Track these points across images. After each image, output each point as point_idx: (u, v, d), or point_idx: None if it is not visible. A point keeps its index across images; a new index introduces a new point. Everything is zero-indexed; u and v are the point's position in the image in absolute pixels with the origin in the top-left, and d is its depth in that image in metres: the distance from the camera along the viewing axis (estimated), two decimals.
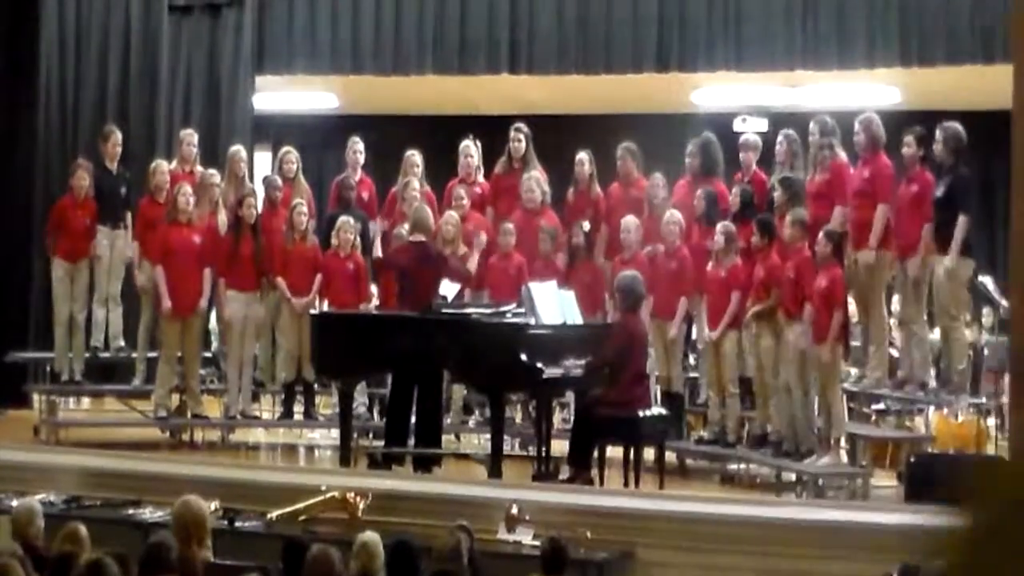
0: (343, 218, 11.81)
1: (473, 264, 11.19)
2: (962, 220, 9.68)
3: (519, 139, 11.96)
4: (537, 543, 7.81)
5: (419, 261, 10.62)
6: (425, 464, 10.39)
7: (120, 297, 12.35)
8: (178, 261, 11.74)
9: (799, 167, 10.85)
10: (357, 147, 12.44)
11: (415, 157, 12.16)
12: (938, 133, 9.91)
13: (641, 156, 11.72)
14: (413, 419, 10.88)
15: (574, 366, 10.00)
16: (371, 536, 6.78)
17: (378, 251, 11.97)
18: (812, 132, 10.58)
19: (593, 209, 11.77)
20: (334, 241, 11.80)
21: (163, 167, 12.22)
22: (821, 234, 9.92)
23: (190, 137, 12.57)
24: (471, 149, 12.10)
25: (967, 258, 9.86)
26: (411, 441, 10.73)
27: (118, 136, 12.46)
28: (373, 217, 12.30)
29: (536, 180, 11.73)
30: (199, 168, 12.39)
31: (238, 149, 12.63)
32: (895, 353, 10.93)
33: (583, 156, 11.84)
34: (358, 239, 11.83)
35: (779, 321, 10.22)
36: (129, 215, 12.35)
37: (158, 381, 11.86)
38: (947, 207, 9.78)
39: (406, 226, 11.12)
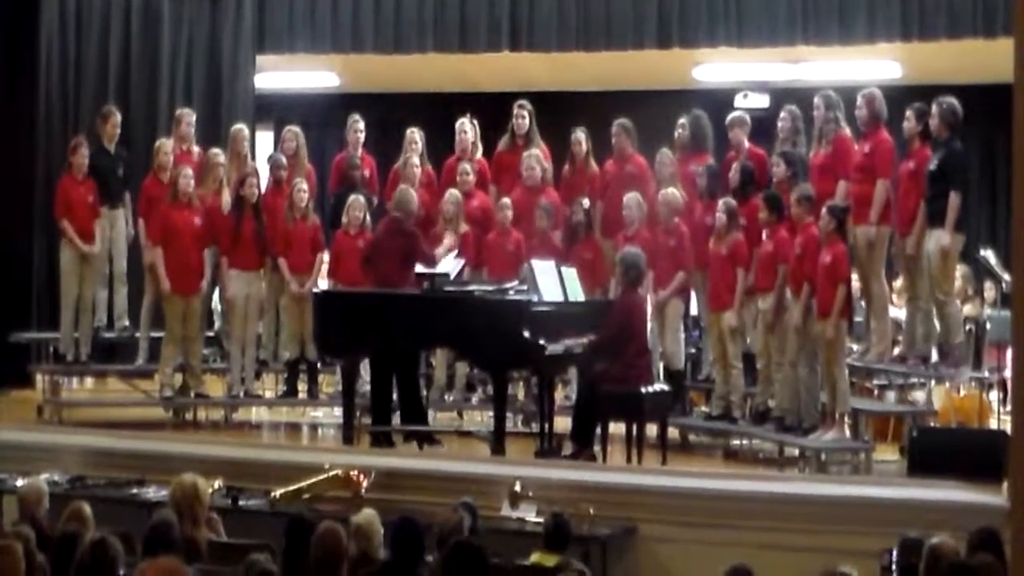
0: (352, 196, 11.79)
1: (441, 252, 11.07)
2: (953, 197, 9.66)
3: (522, 116, 11.93)
4: (540, 520, 7.84)
5: (389, 234, 10.65)
6: (420, 439, 10.44)
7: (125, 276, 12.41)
8: (179, 242, 11.74)
9: (801, 143, 10.84)
10: (358, 125, 12.41)
11: (415, 135, 12.16)
12: (933, 107, 9.89)
13: (635, 132, 11.69)
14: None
15: (576, 343, 10.01)
16: (367, 516, 6.73)
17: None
18: (817, 106, 10.56)
19: (589, 186, 11.76)
20: (344, 219, 11.79)
21: (166, 146, 12.20)
22: (824, 210, 9.90)
23: (188, 116, 12.54)
24: (466, 126, 12.07)
25: (958, 233, 9.84)
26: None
27: (117, 117, 12.46)
28: (375, 194, 12.31)
29: (536, 157, 11.71)
30: (196, 148, 12.39)
31: (240, 128, 12.63)
32: (898, 327, 10.93)
33: (579, 135, 11.82)
34: (367, 217, 11.83)
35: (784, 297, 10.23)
36: (128, 195, 12.39)
37: (162, 361, 11.89)
38: (939, 181, 9.76)
39: None
